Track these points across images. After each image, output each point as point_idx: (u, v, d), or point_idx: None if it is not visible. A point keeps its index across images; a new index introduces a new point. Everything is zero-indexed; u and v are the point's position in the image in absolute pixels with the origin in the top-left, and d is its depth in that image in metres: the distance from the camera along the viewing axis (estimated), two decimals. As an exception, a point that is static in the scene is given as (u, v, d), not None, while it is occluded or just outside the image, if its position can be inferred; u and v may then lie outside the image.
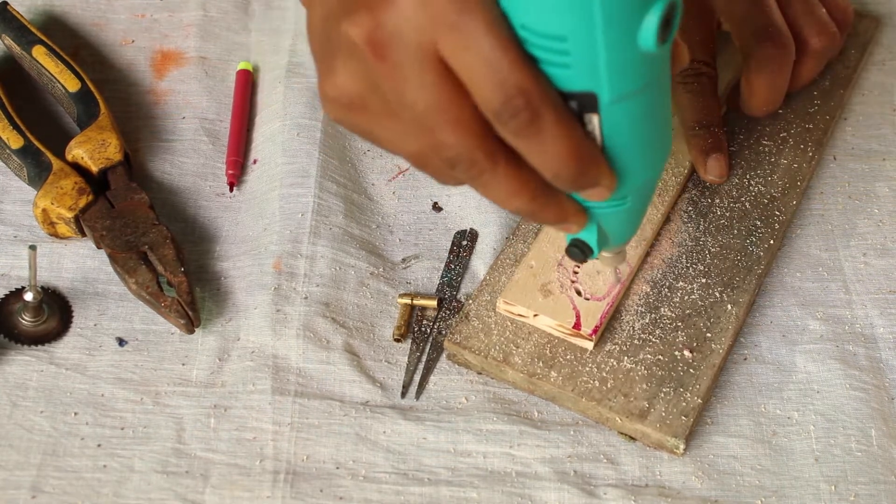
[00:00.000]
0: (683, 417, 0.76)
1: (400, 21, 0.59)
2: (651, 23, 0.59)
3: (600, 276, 0.81)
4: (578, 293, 0.80)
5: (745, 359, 0.81)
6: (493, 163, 0.62)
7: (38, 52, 0.90)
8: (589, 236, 0.71)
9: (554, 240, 0.82)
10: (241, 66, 0.95)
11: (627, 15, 0.59)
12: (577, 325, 0.78)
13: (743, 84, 0.88)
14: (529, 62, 0.59)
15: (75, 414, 0.77)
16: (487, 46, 0.58)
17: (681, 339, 0.79)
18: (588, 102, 0.61)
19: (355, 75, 0.62)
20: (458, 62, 0.59)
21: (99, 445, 0.76)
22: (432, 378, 0.80)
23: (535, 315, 0.79)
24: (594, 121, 0.62)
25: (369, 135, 0.65)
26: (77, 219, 0.83)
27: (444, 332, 0.81)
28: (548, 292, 0.80)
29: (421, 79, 0.60)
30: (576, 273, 0.81)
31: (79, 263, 0.84)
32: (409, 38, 0.59)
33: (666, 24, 0.59)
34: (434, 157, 0.63)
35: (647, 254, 0.83)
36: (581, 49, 0.59)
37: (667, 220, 0.85)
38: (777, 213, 0.86)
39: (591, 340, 0.78)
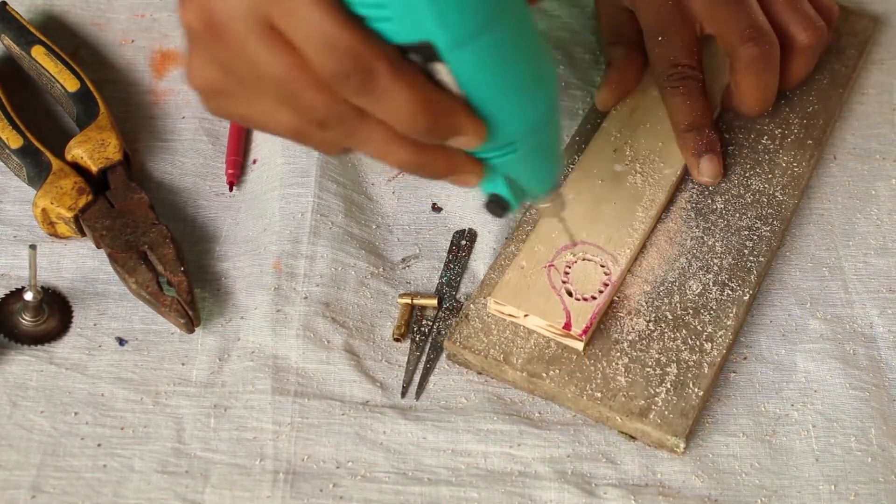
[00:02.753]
0: (683, 416, 0.76)
1: (228, 0, 0.59)
2: None
3: (591, 276, 0.81)
4: (569, 293, 0.80)
5: (745, 358, 0.81)
6: (360, 114, 0.62)
7: (38, 52, 0.90)
8: (500, 188, 0.69)
9: (545, 240, 0.82)
10: (241, 65, 0.95)
11: None
12: (567, 326, 0.78)
13: (732, 86, 0.88)
14: (355, 22, 0.59)
15: (75, 414, 0.77)
16: (310, 12, 0.58)
17: (681, 338, 0.79)
18: (427, 52, 0.59)
19: (206, 61, 0.63)
20: (288, 30, 0.59)
21: (99, 445, 0.76)
22: (432, 378, 0.80)
23: (526, 315, 0.79)
24: (442, 70, 0.60)
25: (246, 119, 0.66)
26: (77, 218, 0.83)
27: (443, 332, 0.81)
28: (538, 293, 0.80)
29: (265, 50, 0.60)
30: (567, 274, 0.81)
31: (79, 263, 0.84)
32: (239, 14, 0.59)
33: None
34: (307, 125, 0.63)
35: (647, 253, 0.83)
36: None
37: (667, 219, 0.85)
38: (777, 212, 0.86)
39: (581, 341, 0.78)
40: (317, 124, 0.63)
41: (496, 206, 0.70)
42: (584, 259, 0.81)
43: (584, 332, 0.78)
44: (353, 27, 0.59)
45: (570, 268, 0.81)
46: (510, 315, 0.79)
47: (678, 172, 0.87)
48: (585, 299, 0.79)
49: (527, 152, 0.67)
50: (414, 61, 0.60)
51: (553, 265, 0.81)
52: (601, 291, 0.80)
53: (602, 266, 0.81)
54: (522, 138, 0.66)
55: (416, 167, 0.65)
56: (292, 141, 0.66)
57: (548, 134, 0.68)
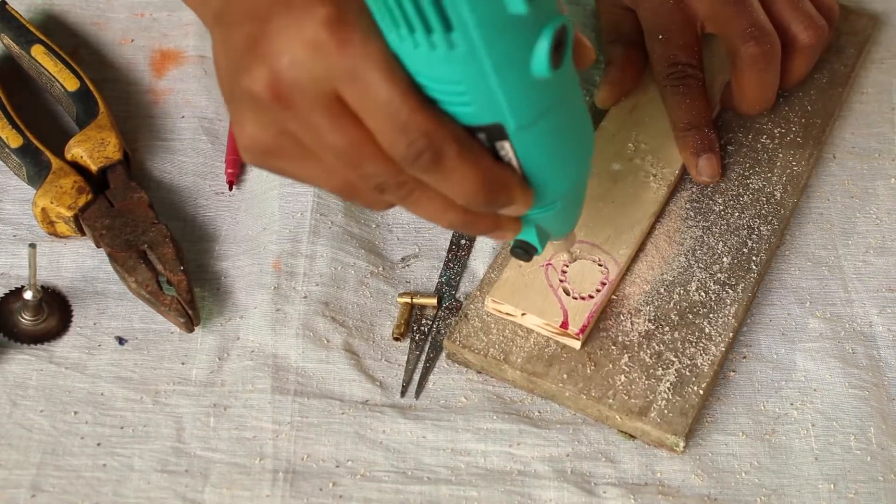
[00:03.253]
0: (683, 415, 0.76)
1: (297, 71, 0.60)
2: (541, 53, 0.60)
3: (589, 275, 0.81)
4: (567, 292, 0.80)
5: (745, 357, 0.81)
6: (419, 182, 0.63)
7: (37, 52, 0.90)
8: (530, 237, 0.72)
9: None
10: (241, 65, 0.95)
11: (516, 52, 0.60)
12: (564, 325, 0.78)
13: (732, 85, 0.88)
14: (428, 104, 0.60)
15: (75, 413, 0.77)
16: (385, 93, 0.59)
17: (680, 337, 0.79)
18: (496, 132, 0.63)
19: (264, 125, 0.63)
20: (360, 109, 0.60)
21: (98, 444, 0.76)
22: (432, 377, 0.80)
23: (524, 314, 0.79)
24: (506, 146, 0.64)
25: (293, 176, 0.66)
26: (76, 218, 0.83)
27: (443, 332, 0.81)
28: (536, 291, 0.80)
29: (331, 122, 0.61)
30: (564, 272, 0.81)
31: (78, 262, 0.84)
32: (309, 87, 0.60)
33: (557, 49, 0.60)
34: (362, 187, 0.64)
35: (646, 253, 0.83)
36: (477, 90, 0.60)
37: (666, 218, 0.85)
38: (776, 211, 0.86)
39: (578, 339, 0.78)
40: (374, 189, 0.64)
41: (523, 251, 0.73)
42: (581, 258, 0.82)
43: (581, 330, 0.78)
44: (427, 110, 0.60)
45: (567, 266, 0.81)
46: (508, 314, 0.79)
47: (677, 171, 0.87)
48: (583, 298, 0.80)
49: (562, 208, 0.70)
50: (480, 139, 0.63)
51: (551, 264, 0.81)
52: (599, 290, 0.80)
53: (600, 265, 0.81)
54: (561, 199, 0.69)
55: (463, 227, 0.67)
56: (337, 195, 0.67)
57: (582, 191, 0.71)
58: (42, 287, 0.81)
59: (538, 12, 0.59)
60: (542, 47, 0.60)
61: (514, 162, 0.65)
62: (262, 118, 0.63)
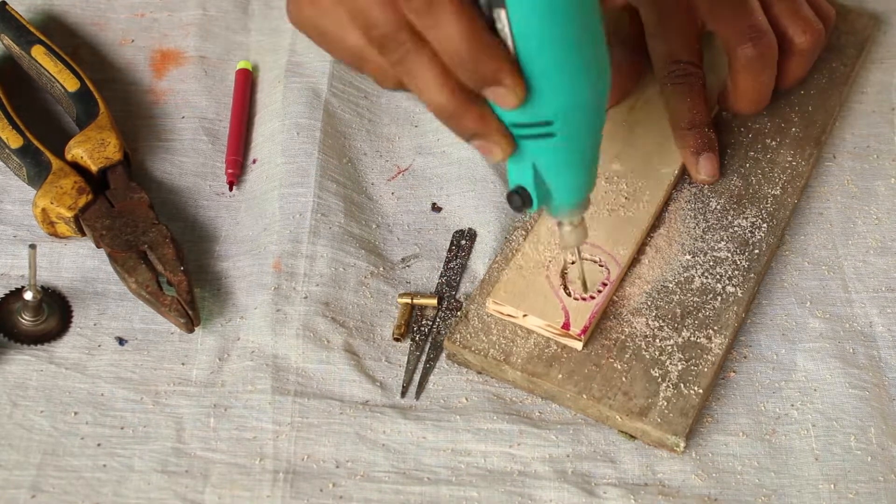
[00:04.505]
0: (683, 416, 0.76)
1: None
2: None
3: (590, 276, 0.81)
4: (568, 293, 0.80)
5: (745, 357, 0.81)
6: (416, 43, 0.66)
7: (38, 52, 0.90)
8: (526, 179, 0.71)
9: (543, 240, 0.82)
10: (241, 65, 0.95)
11: None
12: (565, 326, 0.78)
13: (729, 85, 0.89)
14: None
15: (75, 413, 0.77)
16: None
17: (681, 337, 0.79)
18: None
19: None
20: None
21: (99, 445, 0.76)
22: (432, 377, 0.80)
23: (525, 315, 0.79)
24: (502, 17, 0.64)
25: (320, 31, 0.71)
26: (77, 218, 0.83)
27: (443, 332, 0.81)
28: (537, 293, 0.80)
29: None
30: (565, 273, 0.81)
31: (78, 263, 0.84)
32: None
33: None
34: (370, 48, 0.68)
35: (647, 253, 0.83)
36: None
37: (666, 218, 0.85)
38: (776, 211, 0.86)
39: (579, 340, 0.78)
40: (378, 44, 0.67)
41: (518, 197, 0.71)
42: (582, 258, 0.81)
43: (583, 331, 0.78)
44: None
45: (568, 267, 0.81)
46: (509, 315, 0.79)
47: (676, 171, 0.87)
48: (584, 299, 0.79)
49: (561, 141, 0.68)
50: (480, 3, 0.64)
51: (552, 265, 0.81)
52: (600, 291, 0.80)
53: (601, 266, 0.81)
54: (560, 119, 0.67)
55: (449, 115, 0.68)
56: (354, 67, 0.72)
57: (586, 128, 0.69)
58: (42, 287, 0.81)
59: None
60: None
61: (510, 41, 0.64)
62: None
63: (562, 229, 0.75)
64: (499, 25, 0.64)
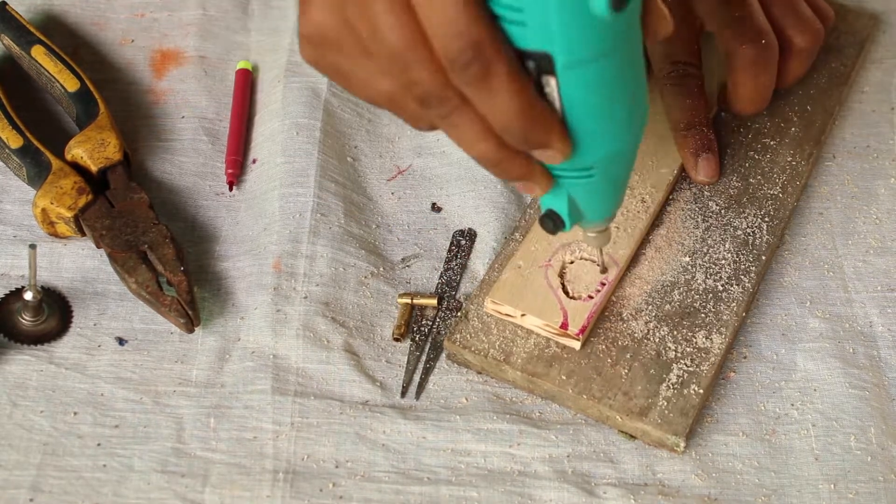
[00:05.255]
0: (683, 415, 0.76)
1: None
2: None
3: (588, 276, 0.81)
4: (566, 293, 0.80)
5: (745, 357, 0.81)
6: (462, 100, 0.64)
7: (38, 52, 0.90)
8: (560, 206, 0.71)
9: (542, 240, 0.82)
10: (241, 65, 0.95)
11: None
12: (564, 325, 0.78)
13: (728, 85, 0.89)
14: (487, 17, 0.61)
15: (75, 413, 0.77)
16: None
17: (680, 337, 0.79)
18: (544, 64, 0.62)
19: (329, 11, 0.65)
20: (421, 7, 0.61)
21: (99, 445, 0.76)
22: (432, 378, 0.80)
23: (523, 315, 0.79)
24: (552, 83, 0.63)
25: (344, 75, 0.67)
26: (77, 218, 0.83)
27: (443, 332, 0.81)
28: (535, 292, 0.80)
29: (392, 17, 0.62)
30: (564, 273, 0.81)
31: (78, 263, 0.84)
32: None
33: None
34: (407, 95, 0.65)
35: (647, 253, 0.83)
36: (534, 8, 0.61)
37: (666, 219, 0.85)
38: (776, 211, 0.86)
39: (578, 340, 0.78)
40: (417, 100, 0.65)
41: (551, 221, 0.72)
42: (581, 258, 0.82)
43: (581, 331, 0.78)
44: (484, 21, 0.61)
45: (567, 267, 0.81)
46: (507, 315, 0.79)
47: (675, 172, 0.87)
48: (582, 299, 0.80)
49: (599, 180, 0.69)
50: (528, 69, 0.63)
51: (550, 264, 0.81)
52: (598, 291, 0.80)
53: (599, 265, 0.81)
54: (600, 164, 0.68)
55: (494, 164, 0.67)
56: (382, 108, 0.68)
57: (623, 167, 0.70)
58: (42, 288, 0.81)
59: None
60: None
61: (557, 103, 0.64)
62: (328, 3, 0.65)
63: (586, 234, 0.77)
64: (547, 90, 0.64)
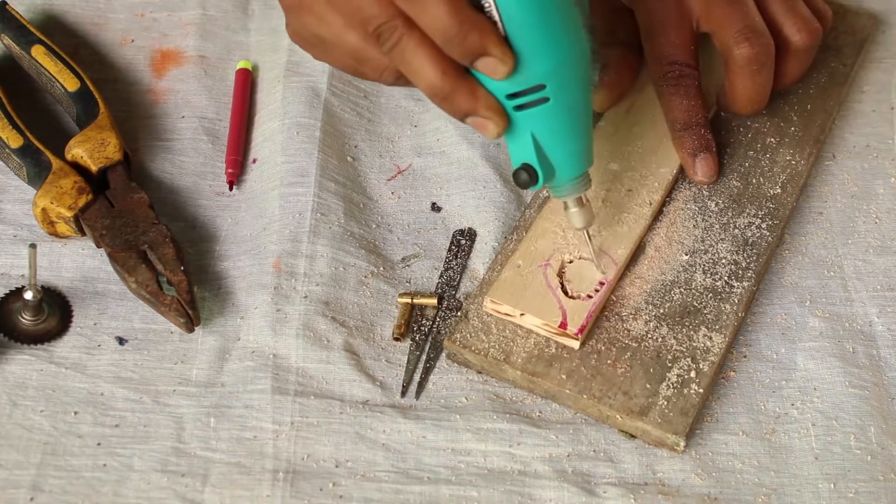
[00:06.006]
0: (683, 415, 0.76)
1: None
2: None
3: (587, 275, 0.81)
4: (565, 292, 0.80)
5: (745, 356, 0.81)
6: (408, 28, 0.71)
7: (38, 52, 0.90)
8: (529, 155, 0.74)
9: (542, 239, 0.82)
10: (241, 65, 0.95)
11: None
12: (563, 325, 0.78)
13: (726, 85, 0.89)
14: None
15: (75, 413, 0.77)
16: None
17: (680, 336, 0.79)
18: None
19: None
20: None
21: (99, 444, 0.76)
22: (432, 377, 0.80)
23: (522, 314, 0.79)
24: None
25: (321, 42, 0.75)
26: (77, 218, 0.83)
27: (443, 332, 0.81)
28: (535, 292, 0.80)
29: None
30: (563, 272, 0.81)
31: (78, 262, 0.84)
32: None
33: None
34: (368, 42, 0.72)
35: (646, 253, 0.83)
36: None
37: (665, 218, 0.85)
38: (776, 210, 0.86)
39: (577, 339, 0.78)
40: (374, 37, 0.71)
41: (525, 173, 0.75)
42: (580, 258, 0.82)
43: (580, 330, 0.78)
44: None
45: (566, 266, 0.81)
46: (506, 314, 0.79)
47: (674, 171, 0.87)
48: (581, 298, 0.80)
49: (555, 105, 0.72)
50: None
51: (549, 264, 0.81)
52: (597, 290, 0.80)
53: (591, 256, 0.81)
54: (551, 80, 0.71)
55: (443, 96, 0.72)
56: (354, 71, 0.75)
57: (577, 92, 0.73)
58: (42, 287, 0.81)
59: None
60: None
61: (496, 16, 0.69)
62: None
63: (569, 212, 0.78)
64: (486, 6, 0.69)
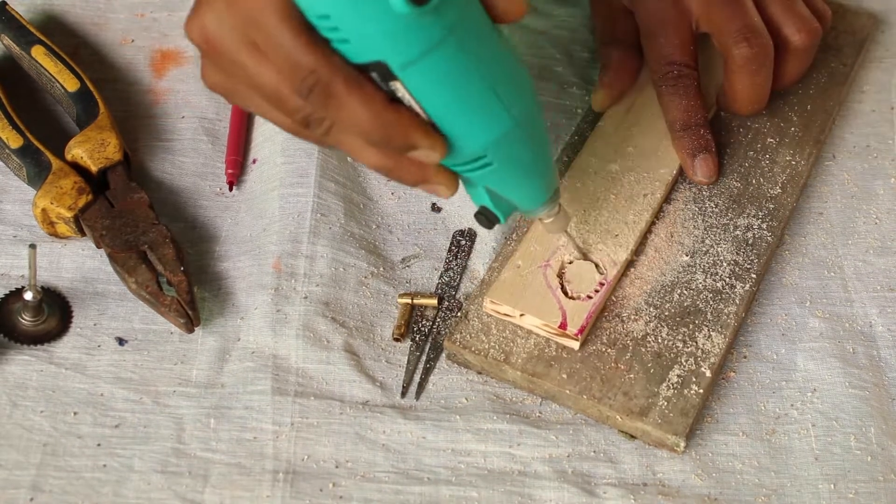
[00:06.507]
0: (684, 415, 0.76)
1: (218, 22, 0.66)
2: None
3: (587, 276, 0.81)
4: (565, 293, 0.80)
5: (745, 357, 0.81)
6: (332, 119, 0.67)
7: (38, 52, 0.90)
8: (485, 200, 0.72)
9: (541, 240, 0.82)
10: (241, 65, 0.95)
11: None
12: (563, 325, 0.78)
13: (725, 85, 0.89)
14: (319, 43, 0.63)
15: (75, 413, 0.77)
16: (278, 34, 0.63)
17: (680, 337, 0.79)
18: (383, 71, 0.63)
19: (212, 69, 0.69)
20: (265, 48, 0.65)
21: (98, 445, 0.76)
22: (432, 378, 0.80)
23: (522, 315, 0.79)
24: (399, 87, 0.64)
25: (253, 111, 0.71)
26: (77, 218, 0.83)
27: (443, 332, 0.81)
28: (534, 292, 0.80)
29: (253, 63, 0.66)
30: (563, 273, 0.81)
31: (78, 263, 0.84)
32: (227, 33, 0.65)
33: None
34: (295, 125, 0.68)
35: (646, 253, 0.83)
36: (346, 23, 0.62)
37: (665, 218, 0.85)
38: (776, 211, 0.86)
39: (576, 340, 0.78)
40: (302, 124, 0.67)
41: (484, 217, 0.74)
42: (580, 258, 0.82)
43: (580, 331, 0.78)
44: (316, 48, 0.64)
45: (566, 267, 0.81)
46: (506, 315, 0.79)
47: (674, 171, 0.87)
48: (581, 298, 0.80)
49: (501, 167, 0.69)
50: (374, 80, 0.64)
51: (549, 264, 0.81)
52: (597, 291, 0.80)
53: (598, 265, 0.81)
54: (491, 152, 0.68)
55: (388, 171, 0.69)
56: (289, 132, 0.71)
57: (524, 147, 0.69)
58: (42, 288, 0.81)
59: None
60: None
61: (414, 104, 0.65)
62: (208, 63, 0.69)
63: (543, 223, 0.77)
64: (399, 95, 0.65)
